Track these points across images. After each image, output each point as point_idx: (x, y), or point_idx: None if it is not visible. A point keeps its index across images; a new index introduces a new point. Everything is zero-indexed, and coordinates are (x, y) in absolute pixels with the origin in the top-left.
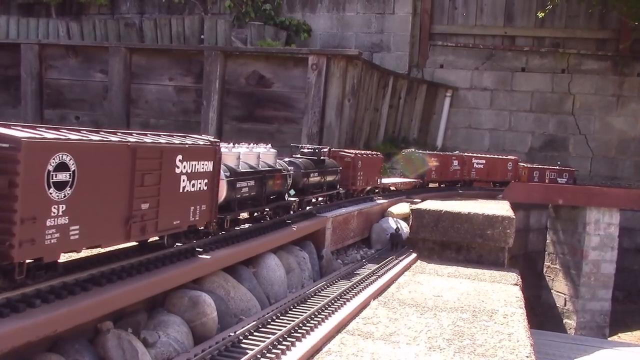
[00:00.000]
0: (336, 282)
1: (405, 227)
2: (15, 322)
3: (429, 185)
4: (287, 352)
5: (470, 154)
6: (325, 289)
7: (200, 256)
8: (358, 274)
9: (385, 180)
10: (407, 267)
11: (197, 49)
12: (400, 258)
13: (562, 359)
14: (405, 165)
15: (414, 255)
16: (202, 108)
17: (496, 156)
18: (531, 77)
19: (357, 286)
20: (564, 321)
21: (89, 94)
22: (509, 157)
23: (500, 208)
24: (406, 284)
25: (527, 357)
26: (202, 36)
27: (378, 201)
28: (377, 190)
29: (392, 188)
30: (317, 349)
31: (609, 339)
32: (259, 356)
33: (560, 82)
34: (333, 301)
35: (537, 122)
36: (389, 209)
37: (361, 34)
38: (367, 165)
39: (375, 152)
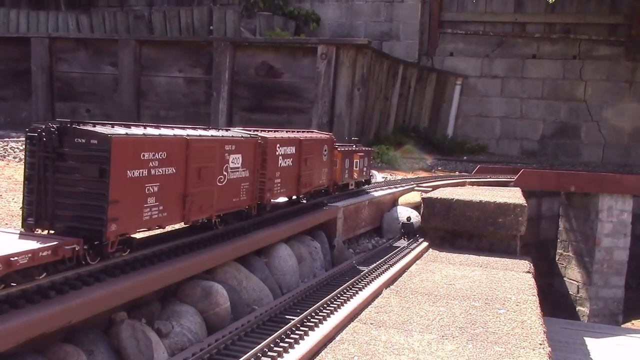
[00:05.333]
0: (348, 271)
1: (416, 216)
2: (30, 313)
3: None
4: (300, 341)
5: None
6: (337, 278)
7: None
8: (370, 263)
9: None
10: (418, 256)
11: (207, 40)
12: (411, 247)
13: (575, 346)
14: None
15: (425, 244)
16: (212, 99)
17: (309, 134)
18: (542, 63)
19: (369, 275)
20: (577, 309)
21: (99, 86)
22: (320, 134)
23: (512, 196)
24: (418, 272)
25: (541, 344)
26: (211, 27)
27: None
28: None
29: None
30: (330, 338)
31: (622, 326)
32: (272, 346)
33: (571, 68)
34: (345, 290)
35: (549, 110)
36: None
37: (370, 23)
38: None
39: None
